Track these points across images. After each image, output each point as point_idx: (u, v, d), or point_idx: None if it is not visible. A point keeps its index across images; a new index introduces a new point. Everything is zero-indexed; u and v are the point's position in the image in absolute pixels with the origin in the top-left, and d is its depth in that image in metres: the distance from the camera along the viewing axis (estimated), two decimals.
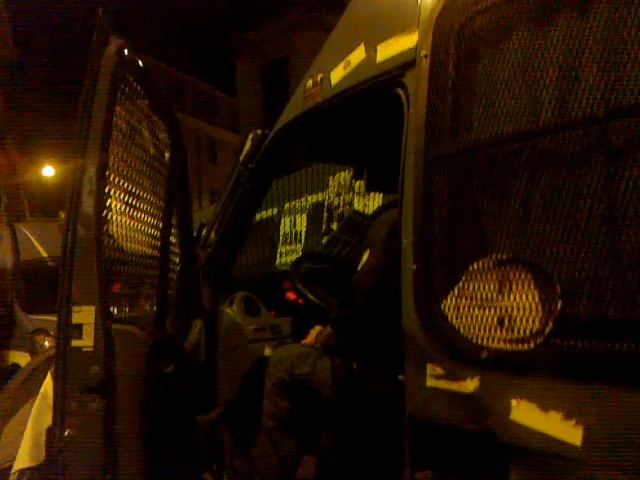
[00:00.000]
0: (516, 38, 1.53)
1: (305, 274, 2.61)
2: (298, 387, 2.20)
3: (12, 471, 2.20)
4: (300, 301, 2.79)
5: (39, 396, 2.19)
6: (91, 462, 1.49)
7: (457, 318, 1.53)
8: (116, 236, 1.96)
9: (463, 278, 1.53)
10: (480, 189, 1.55)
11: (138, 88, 1.90)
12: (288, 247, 6.13)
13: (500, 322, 1.44)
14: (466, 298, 1.52)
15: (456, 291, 1.54)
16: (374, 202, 4.75)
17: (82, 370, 1.49)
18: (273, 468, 2.27)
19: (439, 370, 1.56)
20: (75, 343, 1.49)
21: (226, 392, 2.52)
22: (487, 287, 1.47)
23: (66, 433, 1.45)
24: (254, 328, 2.66)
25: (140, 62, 1.77)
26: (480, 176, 1.55)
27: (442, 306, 1.57)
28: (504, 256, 1.45)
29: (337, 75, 2.09)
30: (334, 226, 5.50)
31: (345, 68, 2.05)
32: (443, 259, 1.60)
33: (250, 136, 2.49)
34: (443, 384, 1.55)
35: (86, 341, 1.50)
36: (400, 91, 1.83)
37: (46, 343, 6.26)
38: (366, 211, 4.52)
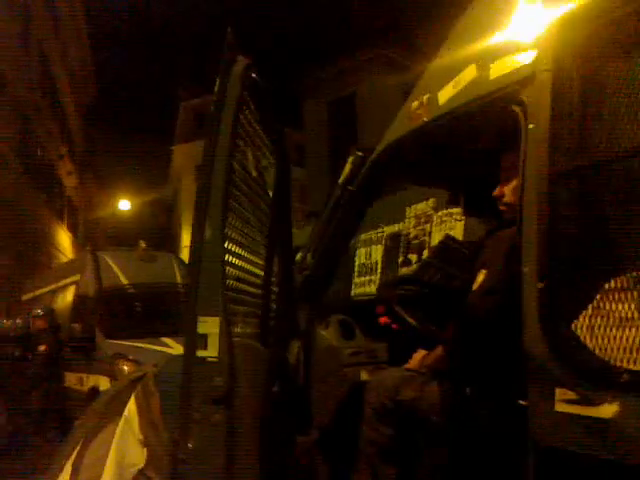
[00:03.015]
0: None
1: (402, 298, 2.57)
2: (401, 413, 2.14)
3: None
4: (394, 326, 2.74)
5: (122, 419, 2.21)
6: (213, 474, 1.48)
7: (591, 339, 1.46)
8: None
9: (598, 296, 1.45)
10: (614, 203, 1.49)
11: (252, 107, 1.95)
12: (364, 278, 6.10)
13: None
14: (602, 317, 1.44)
15: (590, 310, 1.46)
16: (454, 232, 4.67)
17: (206, 380, 1.50)
18: None
19: (570, 394, 1.48)
20: (200, 353, 1.51)
21: (321, 417, 2.48)
22: (627, 305, 1.40)
23: (190, 445, 1.45)
24: (350, 352, 2.63)
25: (259, 80, 1.82)
26: (615, 190, 1.49)
27: (573, 327, 1.49)
28: None
29: (445, 94, 2.08)
30: (412, 257, 5.44)
31: (454, 87, 2.05)
32: (572, 277, 1.53)
33: (350, 159, 2.50)
34: (575, 409, 1.47)
35: (211, 351, 1.51)
36: (516, 107, 1.79)
37: (125, 367, 6.42)
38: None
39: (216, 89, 1.63)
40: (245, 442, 1.56)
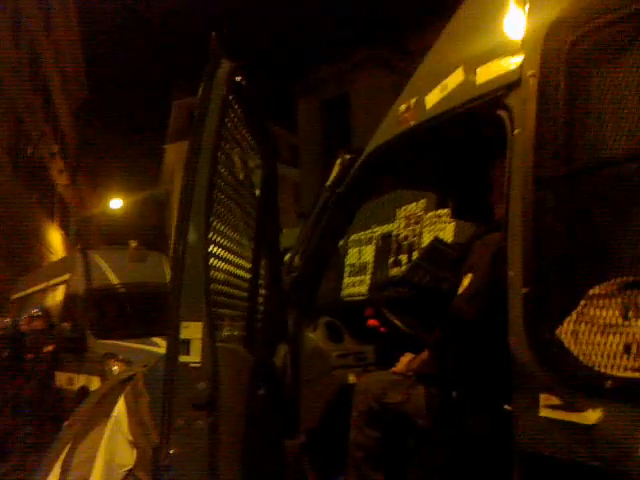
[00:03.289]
0: (635, 52, 1.48)
1: (390, 301, 2.56)
2: (388, 416, 2.14)
3: None
4: (382, 329, 2.74)
5: (112, 419, 2.20)
6: None
7: (575, 345, 1.46)
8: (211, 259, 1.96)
9: (582, 302, 1.45)
10: (600, 209, 1.49)
11: (238, 110, 1.94)
12: (354, 278, 6.09)
13: (627, 349, 1.36)
14: (586, 323, 1.44)
15: (574, 316, 1.46)
16: (444, 233, 4.68)
17: (189, 386, 1.49)
18: None
19: (554, 400, 1.48)
20: (183, 359, 1.50)
21: (308, 420, 2.47)
22: (611, 312, 1.40)
23: (172, 451, 1.44)
24: (337, 354, 2.62)
25: (245, 83, 1.81)
26: (602, 196, 1.49)
27: (557, 332, 1.49)
28: (630, 279, 1.38)
29: (432, 99, 2.08)
30: (403, 258, 5.44)
31: (441, 91, 2.04)
32: (557, 283, 1.53)
33: (338, 161, 2.49)
34: (559, 415, 1.47)
35: (193, 357, 1.50)
36: (502, 112, 1.79)
37: (115, 367, 6.39)
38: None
39: (200, 93, 1.62)
40: (229, 447, 1.55)
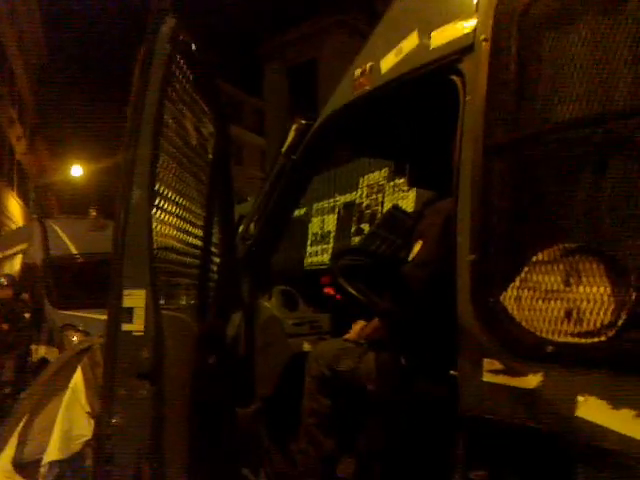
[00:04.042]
0: (586, 19, 1.47)
1: (345, 269, 2.56)
2: (340, 383, 2.15)
3: (42, 463, 2.20)
4: (338, 297, 2.74)
5: (69, 390, 2.19)
6: (138, 450, 1.46)
7: (518, 310, 1.47)
8: (158, 226, 1.91)
9: (526, 269, 1.47)
10: (546, 177, 1.49)
11: (187, 73, 1.87)
12: (317, 247, 6.10)
13: (567, 314, 1.38)
14: (529, 289, 1.45)
15: (518, 282, 1.47)
16: (405, 202, 4.70)
17: (132, 355, 1.46)
18: (312, 466, 2.22)
19: (497, 365, 1.50)
20: (125, 327, 1.46)
21: (263, 387, 2.47)
22: (553, 278, 1.41)
23: (114, 421, 1.42)
24: (293, 323, 2.62)
25: (193, 45, 1.74)
26: (547, 163, 1.49)
27: (502, 298, 1.51)
28: (573, 245, 1.39)
29: (388, 63, 2.04)
30: (365, 226, 5.46)
31: (396, 55, 2.00)
32: (503, 250, 1.54)
33: (293, 126, 2.45)
34: (501, 379, 1.49)
35: (136, 325, 1.46)
36: (455, 77, 1.77)
37: (75, 338, 6.30)
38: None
39: (142, 50, 1.55)
40: (173, 417, 1.54)
